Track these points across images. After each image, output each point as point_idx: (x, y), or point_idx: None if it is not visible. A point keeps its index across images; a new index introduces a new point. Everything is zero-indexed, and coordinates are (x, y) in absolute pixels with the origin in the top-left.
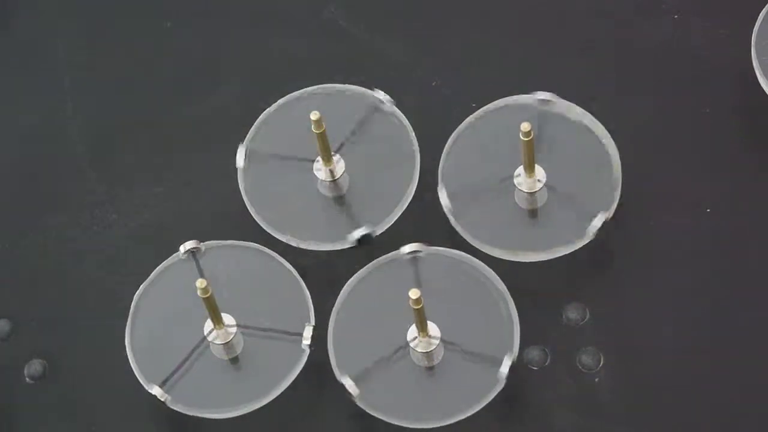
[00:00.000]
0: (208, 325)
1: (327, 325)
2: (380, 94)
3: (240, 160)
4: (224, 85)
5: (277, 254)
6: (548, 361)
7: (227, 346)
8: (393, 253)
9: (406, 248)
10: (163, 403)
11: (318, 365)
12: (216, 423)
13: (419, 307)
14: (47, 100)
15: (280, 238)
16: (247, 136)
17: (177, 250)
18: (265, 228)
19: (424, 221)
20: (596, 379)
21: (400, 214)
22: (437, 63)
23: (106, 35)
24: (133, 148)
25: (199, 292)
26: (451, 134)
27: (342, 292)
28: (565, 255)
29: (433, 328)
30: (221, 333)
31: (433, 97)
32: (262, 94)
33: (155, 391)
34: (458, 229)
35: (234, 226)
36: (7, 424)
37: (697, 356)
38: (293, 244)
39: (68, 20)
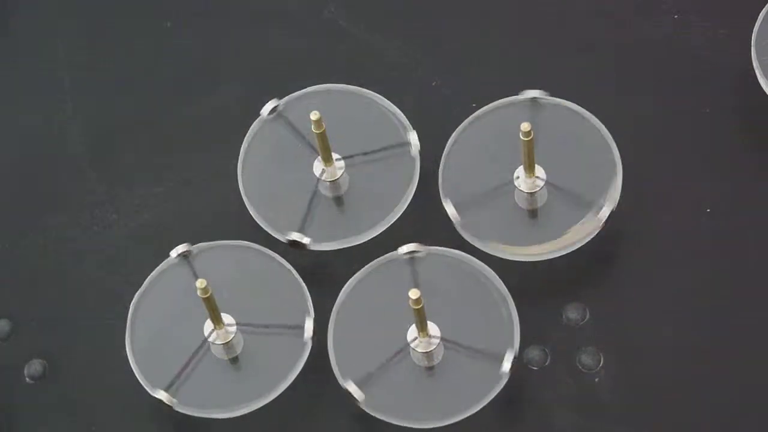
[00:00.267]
0: (208, 325)
1: (327, 325)
2: (413, 138)
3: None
4: (224, 85)
5: (277, 254)
6: (548, 361)
7: (227, 346)
8: (392, 253)
9: (404, 248)
10: (170, 407)
11: (318, 365)
12: (216, 423)
13: (419, 307)
14: (47, 100)
15: (280, 238)
16: (247, 134)
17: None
18: (265, 228)
19: (424, 221)
20: (596, 379)
21: (400, 214)
22: (437, 63)
23: (106, 35)
24: (133, 148)
25: (198, 292)
26: (451, 134)
27: (342, 292)
28: (565, 255)
29: (433, 328)
30: (221, 333)
31: (433, 97)
32: (262, 94)
33: (161, 395)
34: (458, 229)
35: (234, 226)
36: (7, 424)
37: (697, 356)
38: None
39: (68, 20)
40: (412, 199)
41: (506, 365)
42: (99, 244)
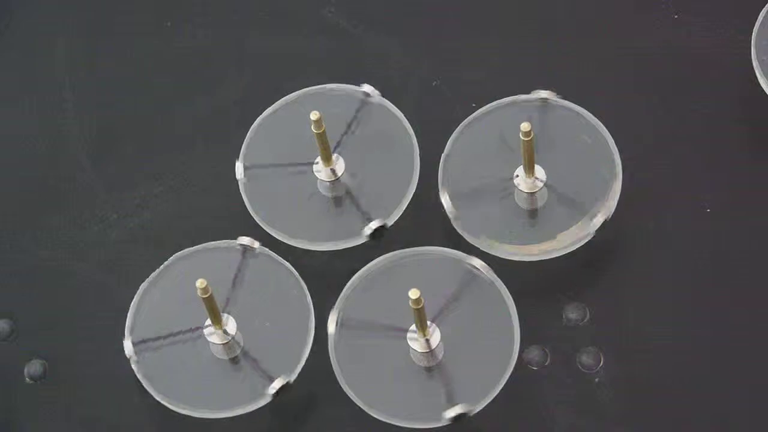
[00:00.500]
0: (209, 325)
1: (327, 325)
2: (367, 88)
3: (239, 172)
4: (224, 85)
5: (277, 254)
6: (548, 361)
7: (227, 346)
8: (392, 253)
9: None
10: (132, 365)
11: (318, 365)
12: (216, 423)
13: (419, 307)
14: (47, 100)
15: (279, 237)
16: (245, 139)
17: (177, 250)
18: (265, 228)
19: (424, 221)
20: (596, 379)
21: (400, 214)
22: (437, 63)
23: (106, 35)
24: (133, 148)
25: (198, 292)
26: (451, 134)
27: (342, 292)
28: (565, 255)
29: (433, 328)
30: (221, 333)
31: (433, 97)
32: (262, 94)
33: (127, 347)
34: (458, 229)
35: (234, 226)
36: (7, 424)
37: (697, 356)
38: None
39: (68, 20)
40: (412, 199)
41: (454, 412)
42: (99, 244)
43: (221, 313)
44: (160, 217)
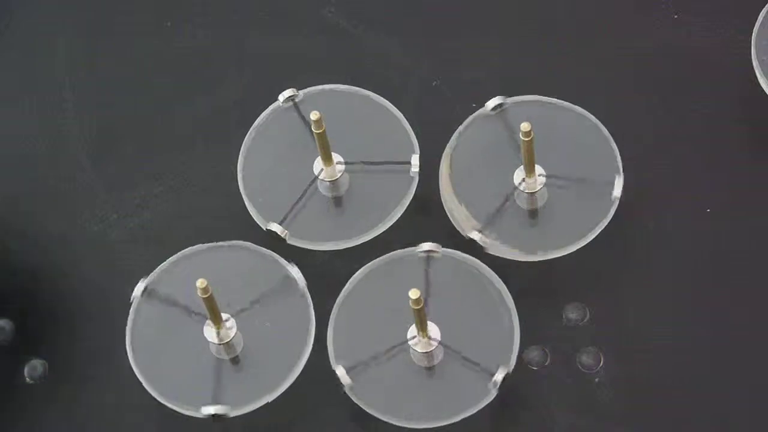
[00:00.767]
0: (208, 325)
1: (327, 325)
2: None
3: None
4: (224, 85)
5: (277, 254)
6: (548, 361)
7: (227, 345)
8: (392, 253)
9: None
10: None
11: (318, 365)
12: (216, 423)
13: (419, 307)
14: (47, 100)
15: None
16: (246, 136)
17: (177, 249)
18: (264, 228)
19: (424, 221)
20: (596, 379)
21: (400, 214)
22: (437, 63)
23: (106, 35)
24: (133, 148)
25: (199, 292)
26: (451, 134)
27: (342, 292)
28: (565, 255)
29: (433, 328)
30: (221, 333)
31: (433, 97)
32: (262, 94)
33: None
34: (458, 229)
35: (234, 226)
36: (7, 424)
37: (697, 356)
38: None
39: (68, 20)
40: (412, 199)
41: (498, 377)
42: (99, 244)
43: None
44: (160, 217)
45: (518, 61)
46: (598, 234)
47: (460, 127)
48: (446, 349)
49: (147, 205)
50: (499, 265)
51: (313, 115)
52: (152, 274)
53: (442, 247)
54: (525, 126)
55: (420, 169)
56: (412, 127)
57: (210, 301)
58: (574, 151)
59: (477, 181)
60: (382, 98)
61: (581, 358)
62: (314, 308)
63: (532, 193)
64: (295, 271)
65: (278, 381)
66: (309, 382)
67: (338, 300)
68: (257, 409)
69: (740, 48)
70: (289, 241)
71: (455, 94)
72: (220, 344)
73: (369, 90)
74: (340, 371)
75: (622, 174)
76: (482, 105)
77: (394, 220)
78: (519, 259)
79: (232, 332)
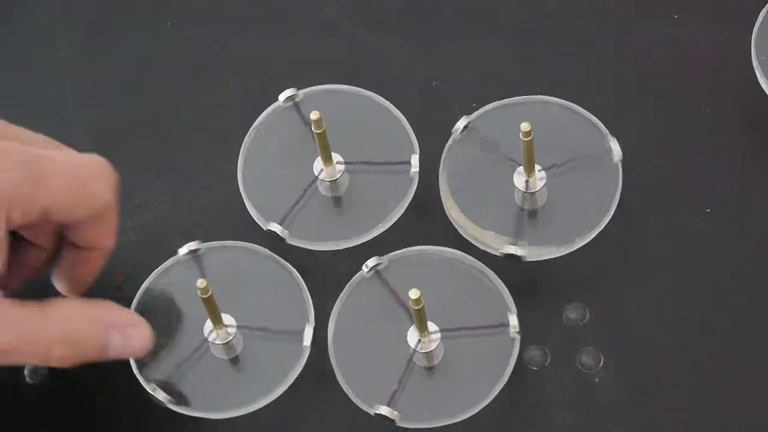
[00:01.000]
0: (208, 325)
1: (327, 325)
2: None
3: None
4: (224, 85)
5: (277, 255)
6: (548, 361)
7: (227, 346)
8: (393, 253)
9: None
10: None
11: (318, 365)
12: (216, 423)
13: (419, 307)
14: (47, 99)
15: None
16: (246, 136)
17: (177, 250)
18: (264, 228)
19: (424, 221)
20: (596, 379)
21: (400, 214)
22: (437, 63)
23: (106, 35)
24: (133, 147)
25: (198, 292)
26: (451, 134)
27: (342, 292)
28: (565, 255)
29: (433, 328)
30: (221, 333)
31: (433, 97)
32: (262, 94)
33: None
34: (458, 229)
35: (234, 226)
36: (7, 424)
37: (697, 356)
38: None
39: (68, 20)
40: (412, 199)
41: (514, 320)
42: None
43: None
44: (160, 217)
45: (518, 61)
46: (598, 234)
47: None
48: (446, 349)
49: (147, 205)
50: (499, 265)
51: (314, 115)
52: (152, 274)
53: (442, 247)
54: (525, 126)
55: (420, 170)
56: (412, 127)
57: (210, 302)
58: (573, 151)
59: (476, 180)
60: (382, 98)
61: (581, 358)
62: (314, 308)
63: (532, 193)
64: (294, 271)
65: (278, 381)
66: (309, 382)
67: (338, 300)
68: (258, 409)
69: (740, 48)
70: (288, 241)
71: (455, 94)
72: (219, 344)
73: (369, 90)
74: (385, 410)
75: (621, 176)
76: (482, 105)
77: (394, 220)
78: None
79: (232, 332)
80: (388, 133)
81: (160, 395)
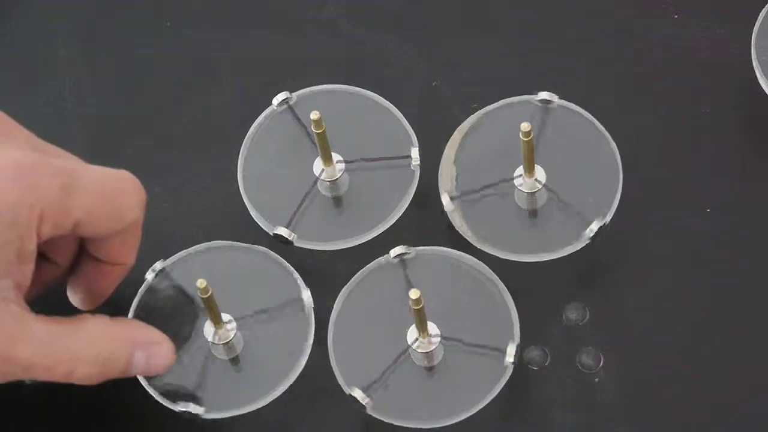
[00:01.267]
0: (209, 325)
1: (327, 325)
2: (414, 153)
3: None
4: (224, 85)
5: (277, 254)
6: (548, 361)
7: (227, 345)
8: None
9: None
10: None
11: (318, 366)
12: (216, 423)
13: (419, 307)
14: (47, 99)
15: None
16: (246, 137)
17: (177, 250)
18: (264, 228)
19: (424, 221)
20: (596, 379)
21: (400, 214)
22: (437, 63)
23: (106, 35)
24: (132, 148)
25: (199, 292)
26: (451, 134)
27: (342, 292)
28: (565, 255)
29: (433, 329)
30: (221, 333)
31: (433, 97)
32: (262, 94)
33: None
34: (458, 229)
35: (234, 227)
36: (7, 424)
37: (697, 356)
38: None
39: (68, 20)
40: (412, 199)
41: (509, 358)
42: None
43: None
44: (160, 217)
45: (518, 61)
46: (598, 234)
47: (461, 126)
48: (446, 349)
49: (147, 205)
50: (499, 265)
51: (313, 115)
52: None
53: (442, 247)
54: (525, 126)
55: (419, 171)
56: (412, 127)
57: (210, 301)
58: (574, 151)
59: (476, 180)
60: (376, 95)
61: (581, 358)
62: (314, 308)
63: (532, 193)
64: (294, 272)
65: (278, 381)
66: (309, 382)
67: (338, 300)
68: (258, 409)
69: (740, 48)
70: (296, 244)
71: (455, 94)
72: (219, 344)
73: (369, 90)
74: (358, 394)
75: (621, 176)
76: (482, 105)
77: (395, 219)
78: (519, 259)
79: (232, 332)
80: (387, 131)
81: (160, 396)
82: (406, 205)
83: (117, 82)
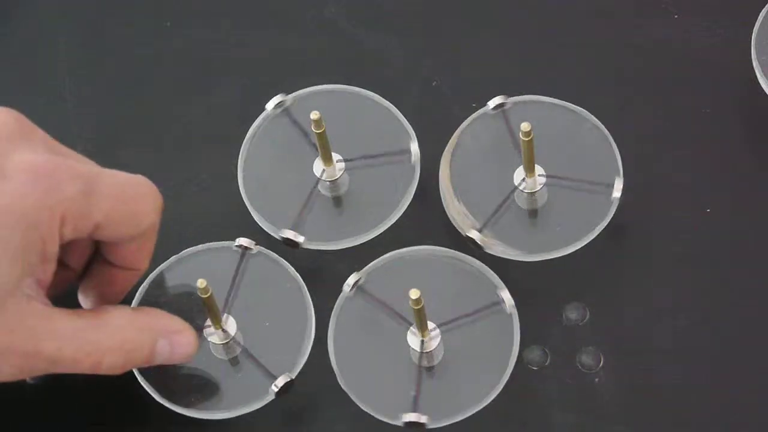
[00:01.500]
0: (208, 325)
1: (327, 325)
2: (413, 147)
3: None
4: (224, 85)
5: (277, 255)
6: (548, 361)
7: (227, 346)
8: (393, 252)
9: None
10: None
11: (318, 366)
12: (216, 423)
13: (419, 307)
14: (47, 99)
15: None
16: (246, 137)
17: (177, 250)
18: (264, 228)
19: (424, 221)
20: (596, 379)
21: (400, 214)
22: (437, 63)
23: (106, 35)
24: (133, 147)
25: (199, 292)
26: (451, 134)
27: (342, 292)
28: (565, 255)
29: (432, 327)
30: (221, 333)
31: (433, 97)
32: (262, 94)
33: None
34: (458, 229)
35: (234, 226)
36: (7, 424)
37: (697, 356)
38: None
39: (68, 20)
40: (412, 199)
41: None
42: None
43: (221, 314)
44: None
45: (518, 61)
46: (598, 234)
47: (461, 126)
48: (446, 349)
49: None
50: (499, 265)
51: (313, 115)
52: (152, 274)
53: (442, 247)
54: (525, 126)
55: (419, 171)
56: (412, 127)
57: (209, 302)
58: (574, 151)
59: (476, 180)
60: (376, 95)
61: (581, 358)
62: (314, 309)
63: (532, 193)
64: (294, 271)
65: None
66: (309, 382)
67: (338, 300)
68: (258, 409)
69: (740, 48)
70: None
71: (455, 94)
72: (219, 344)
73: (369, 90)
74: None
75: (622, 175)
76: (482, 105)
77: (395, 219)
78: (519, 259)
79: (232, 332)
80: (387, 130)
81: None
82: (407, 205)
83: (117, 82)
